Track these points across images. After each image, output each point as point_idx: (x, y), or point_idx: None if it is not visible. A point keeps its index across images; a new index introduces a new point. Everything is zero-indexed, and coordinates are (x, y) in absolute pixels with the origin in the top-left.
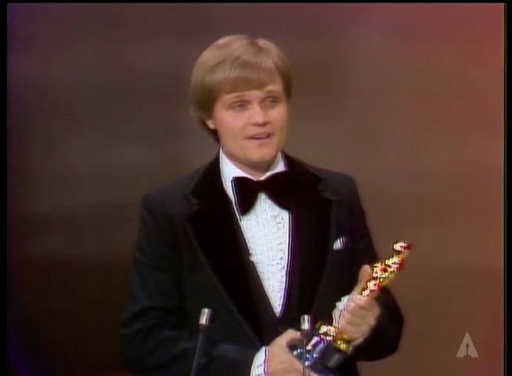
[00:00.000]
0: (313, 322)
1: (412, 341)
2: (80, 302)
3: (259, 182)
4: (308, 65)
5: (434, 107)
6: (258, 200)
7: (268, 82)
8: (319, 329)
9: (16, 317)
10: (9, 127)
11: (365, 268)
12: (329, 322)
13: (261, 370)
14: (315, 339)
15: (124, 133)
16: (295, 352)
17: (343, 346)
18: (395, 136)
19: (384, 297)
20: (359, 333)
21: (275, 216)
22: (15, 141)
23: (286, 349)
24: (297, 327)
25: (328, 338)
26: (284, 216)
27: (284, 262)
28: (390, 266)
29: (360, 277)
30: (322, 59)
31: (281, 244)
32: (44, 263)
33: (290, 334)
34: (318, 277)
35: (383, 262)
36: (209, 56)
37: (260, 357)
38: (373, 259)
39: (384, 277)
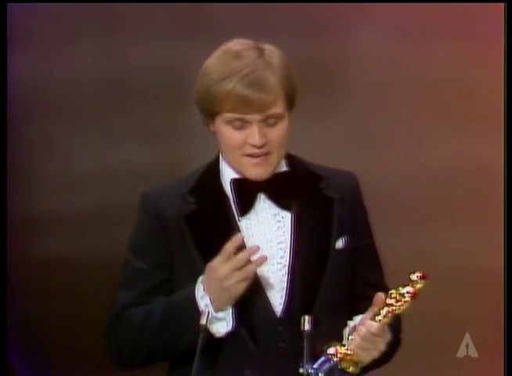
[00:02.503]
0: (314, 322)
1: (412, 341)
2: (80, 303)
3: (258, 183)
4: (310, 65)
5: (435, 107)
6: (258, 200)
7: (270, 105)
8: (327, 349)
9: (16, 317)
10: (9, 127)
11: (379, 295)
12: (339, 340)
13: (206, 300)
14: (322, 358)
15: (124, 133)
16: (301, 370)
17: (351, 368)
18: (397, 136)
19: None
20: (369, 357)
21: (275, 215)
22: (15, 141)
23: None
24: (298, 327)
25: (335, 359)
26: (285, 215)
27: (285, 261)
28: (404, 296)
29: (374, 303)
30: (324, 60)
31: (281, 242)
32: (44, 263)
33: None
34: (319, 276)
35: (397, 290)
36: (217, 66)
37: (200, 287)
38: (374, 258)
39: (398, 306)
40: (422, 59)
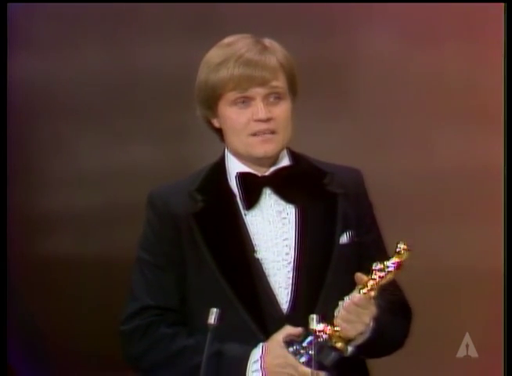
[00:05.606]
0: (321, 320)
1: (412, 340)
2: (81, 303)
3: (264, 177)
4: (318, 65)
5: (436, 107)
6: (263, 196)
7: (271, 79)
8: (316, 326)
9: (16, 317)
10: (12, 127)
11: (358, 274)
12: (331, 320)
13: (257, 366)
14: (311, 337)
15: (131, 133)
16: (291, 349)
17: (339, 344)
18: (400, 136)
19: (387, 294)
20: (354, 331)
21: (280, 212)
22: (21, 140)
23: (282, 345)
24: (305, 323)
25: (324, 336)
26: (290, 211)
27: (290, 257)
28: (388, 266)
29: (356, 280)
30: (332, 59)
31: (286, 239)
32: (50, 263)
33: (288, 330)
34: (324, 272)
35: (382, 262)
36: (213, 55)
37: (257, 353)
38: (381, 252)
39: (381, 277)
40: (422, 59)
